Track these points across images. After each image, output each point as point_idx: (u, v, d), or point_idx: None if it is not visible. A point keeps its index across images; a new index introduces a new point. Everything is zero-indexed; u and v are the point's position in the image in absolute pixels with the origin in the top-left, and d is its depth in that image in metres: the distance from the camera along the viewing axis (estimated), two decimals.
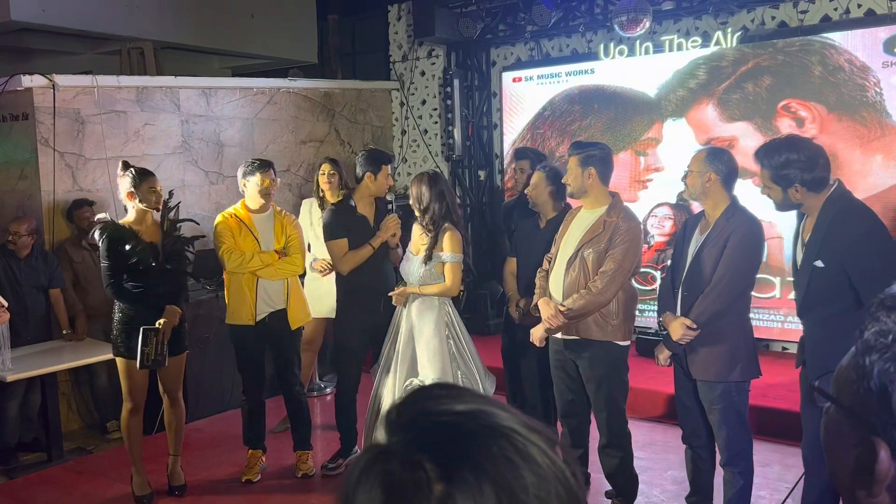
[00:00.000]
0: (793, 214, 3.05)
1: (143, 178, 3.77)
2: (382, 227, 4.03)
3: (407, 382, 3.68)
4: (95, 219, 3.91)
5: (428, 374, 3.63)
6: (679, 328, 3.09)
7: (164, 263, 3.77)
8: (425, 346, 3.69)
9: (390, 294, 3.85)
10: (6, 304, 3.76)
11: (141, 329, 3.67)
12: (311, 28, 8.67)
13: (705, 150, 3.23)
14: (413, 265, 3.77)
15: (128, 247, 3.66)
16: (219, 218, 4.10)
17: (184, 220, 4.00)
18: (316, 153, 6.98)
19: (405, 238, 4.09)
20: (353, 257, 4.00)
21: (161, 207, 3.84)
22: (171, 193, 3.96)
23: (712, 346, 3.09)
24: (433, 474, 0.55)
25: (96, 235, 3.75)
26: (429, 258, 3.70)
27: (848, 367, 0.80)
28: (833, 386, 0.82)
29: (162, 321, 3.72)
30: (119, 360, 3.83)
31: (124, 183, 3.78)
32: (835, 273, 2.72)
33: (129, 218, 3.80)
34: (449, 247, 3.71)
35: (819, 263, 2.77)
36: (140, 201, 3.75)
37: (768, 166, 2.82)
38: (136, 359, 3.70)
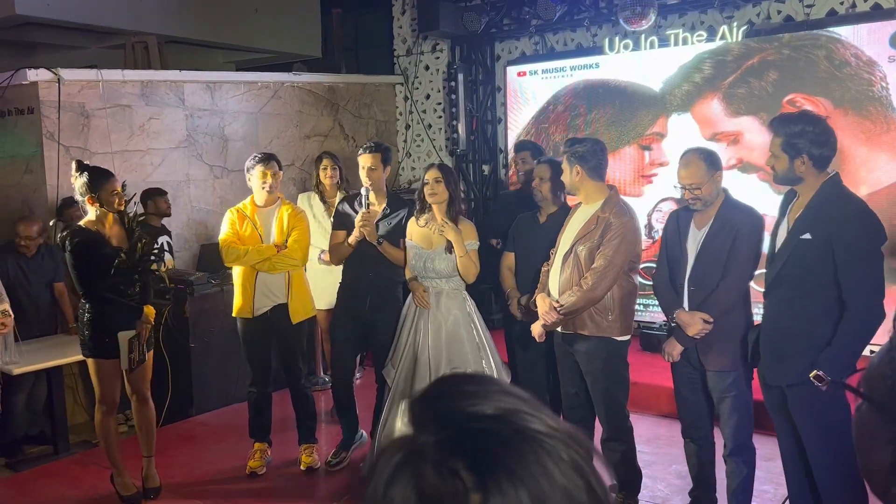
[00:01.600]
0: None
1: (102, 182, 3.60)
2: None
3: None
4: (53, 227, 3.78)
5: (464, 366, 3.63)
6: (698, 323, 3.10)
7: (137, 264, 3.67)
8: (457, 339, 3.69)
9: (417, 297, 3.78)
10: (11, 314, 3.71)
11: (127, 340, 3.63)
12: (314, 22, 8.67)
13: (699, 157, 3.12)
14: (432, 260, 3.72)
15: (103, 252, 3.55)
16: (227, 212, 4.15)
17: (143, 215, 3.96)
18: (320, 148, 6.98)
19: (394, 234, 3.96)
20: (334, 251, 4.08)
21: (123, 207, 3.70)
22: (124, 185, 3.77)
23: (725, 337, 3.12)
24: (469, 483, 0.54)
25: (63, 243, 3.62)
26: (449, 251, 3.69)
27: (881, 363, 0.79)
28: (864, 383, 0.81)
29: (141, 324, 3.68)
30: (91, 362, 3.72)
31: (80, 185, 3.59)
32: (820, 245, 2.76)
33: (90, 218, 3.64)
34: (470, 235, 3.74)
35: (807, 236, 2.81)
36: (101, 206, 3.60)
37: (782, 134, 2.84)
38: (107, 359, 3.66)
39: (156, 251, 3.81)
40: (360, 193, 3.97)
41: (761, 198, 5.04)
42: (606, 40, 6.21)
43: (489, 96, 7.38)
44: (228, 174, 6.26)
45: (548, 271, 3.56)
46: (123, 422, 4.84)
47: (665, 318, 3.39)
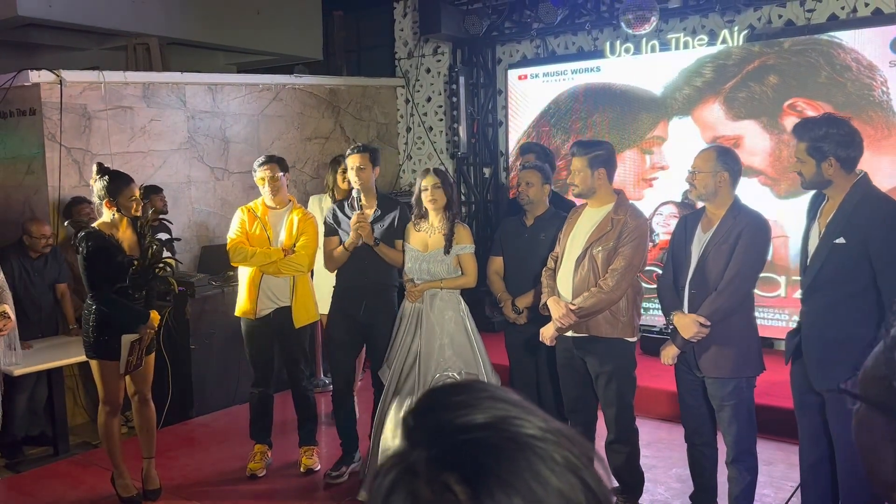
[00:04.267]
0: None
1: (122, 187, 3.61)
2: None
3: (434, 377, 3.65)
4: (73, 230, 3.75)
5: (456, 369, 3.63)
6: (692, 325, 3.08)
7: (147, 271, 3.67)
8: (451, 341, 3.69)
9: (409, 292, 3.78)
10: (12, 316, 3.70)
11: (129, 343, 3.63)
12: (316, 24, 8.67)
13: (714, 150, 3.21)
14: (427, 262, 3.73)
15: (117, 259, 3.56)
16: (238, 210, 4.16)
17: (158, 218, 3.95)
18: (321, 150, 6.99)
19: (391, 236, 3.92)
20: (330, 257, 4.00)
21: (140, 213, 3.71)
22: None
23: (724, 343, 3.10)
24: (463, 497, 0.54)
25: (78, 245, 3.62)
26: (447, 252, 3.69)
27: (876, 365, 0.80)
28: (860, 384, 0.82)
29: (144, 329, 3.68)
30: (95, 363, 3.73)
31: (100, 189, 3.61)
32: (856, 250, 2.73)
33: (105, 220, 3.66)
34: (465, 239, 3.74)
35: (841, 240, 2.77)
36: (118, 210, 3.62)
37: (807, 138, 2.81)
38: (111, 360, 3.66)
39: (166, 259, 3.80)
40: (348, 198, 3.98)
41: (762, 202, 5.05)
42: (607, 44, 6.22)
43: (490, 99, 7.38)
44: (230, 176, 6.26)
45: (550, 274, 3.55)
46: (124, 423, 4.84)
47: (665, 322, 3.39)
